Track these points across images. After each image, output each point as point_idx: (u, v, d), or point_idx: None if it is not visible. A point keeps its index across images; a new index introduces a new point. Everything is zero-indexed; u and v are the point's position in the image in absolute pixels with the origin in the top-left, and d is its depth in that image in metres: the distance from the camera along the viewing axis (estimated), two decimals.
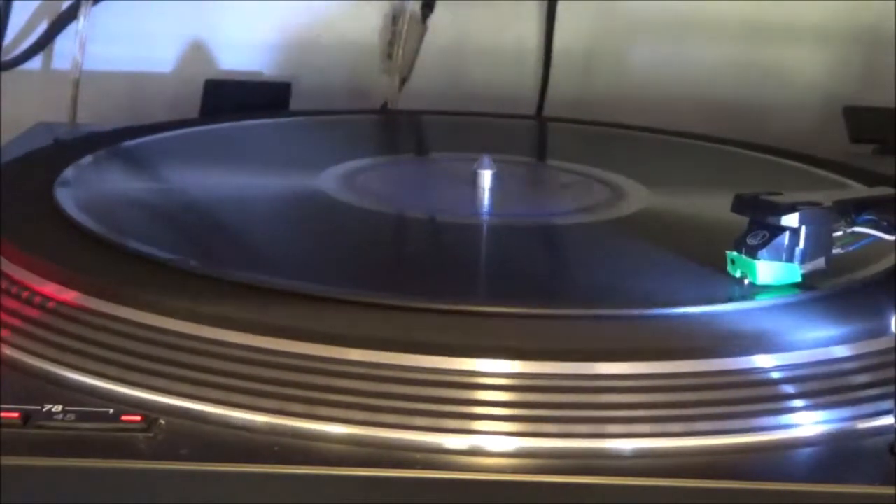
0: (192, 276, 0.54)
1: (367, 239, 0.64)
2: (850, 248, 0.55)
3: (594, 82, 1.05)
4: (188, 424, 0.45)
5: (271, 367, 0.47)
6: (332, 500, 0.43)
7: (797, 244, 0.54)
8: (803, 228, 0.53)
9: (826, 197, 0.55)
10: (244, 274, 0.53)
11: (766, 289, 0.54)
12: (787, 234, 0.53)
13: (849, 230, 0.55)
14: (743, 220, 0.55)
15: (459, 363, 0.47)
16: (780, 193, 0.55)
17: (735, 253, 0.54)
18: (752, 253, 0.54)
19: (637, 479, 0.43)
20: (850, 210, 0.55)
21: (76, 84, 0.98)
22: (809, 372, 0.48)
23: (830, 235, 0.55)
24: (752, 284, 0.54)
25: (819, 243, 0.54)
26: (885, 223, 0.54)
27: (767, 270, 0.54)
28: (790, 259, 0.54)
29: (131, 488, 0.42)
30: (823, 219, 0.54)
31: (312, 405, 0.45)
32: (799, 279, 0.54)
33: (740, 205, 0.56)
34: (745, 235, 0.54)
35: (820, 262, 0.54)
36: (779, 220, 0.53)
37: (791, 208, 0.54)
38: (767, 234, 0.54)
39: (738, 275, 0.54)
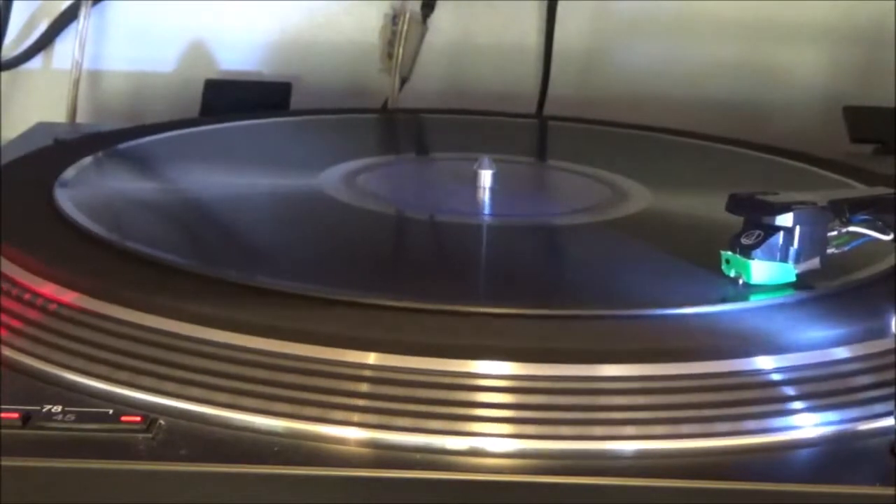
0: (192, 277, 0.54)
1: (367, 239, 0.64)
2: (846, 248, 0.55)
3: (594, 82, 1.05)
4: (188, 425, 0.45)
5: (270, 368, 0.47)
6: (332, 501, 0.43)
7: (791, 244, 0.54)
8: (798, 228, 0.53)
9: (821, 197, 0.55)
10: (244, 275, 0.53)
11: (764, 289, 0.54)
12: (781, 233, 0.53)
13: (844, 230, 0.55)
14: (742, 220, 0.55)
15: (459, 364, 0.47)
16: (776, 193, 0.55)
17: (730, 252, 0.54)
18: (747, 252, 0.54)
19: (637, 479, 0.43)
20: (846, 210, 0.55)
21: (76, 84, 0.98)
22: (810, 373, 0.48)
23: (825, 235, 0.54)
24: (747, 284, 0.54)
25: (814, 243, 0.54)
26: (880, 223, 0.54)
27: (762, 270, 0.54)
28: (784, 259, 0.54)
29: (131, 489, 0.42)
30: (818, 218, 0.54)
31: (312, 406, 0.45)
32: (793, 279, 0.54)
33: (735, 204, 0.56)
34: (740, 235, 0.54)
35: (815, 262, 0.54)
36: (773, 220, 0.53)
37: (785, 208, 0.54)
38: (762, 234, 0.54)
39: (732, 274, 0.54)
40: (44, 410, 0.45)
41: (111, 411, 0.45)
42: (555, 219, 0.69)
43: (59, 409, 0.45)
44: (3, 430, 0.43)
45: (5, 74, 1.03)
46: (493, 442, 0.44)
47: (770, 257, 0.54)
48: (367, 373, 0.47)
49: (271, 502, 0.43)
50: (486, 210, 0.69)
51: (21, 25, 1.03)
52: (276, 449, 0.44)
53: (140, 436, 0.44)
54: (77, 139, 0.82)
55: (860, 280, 0.56)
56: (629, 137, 0.89)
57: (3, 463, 0.42)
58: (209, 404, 0.45)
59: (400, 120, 0.98)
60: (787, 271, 0.54)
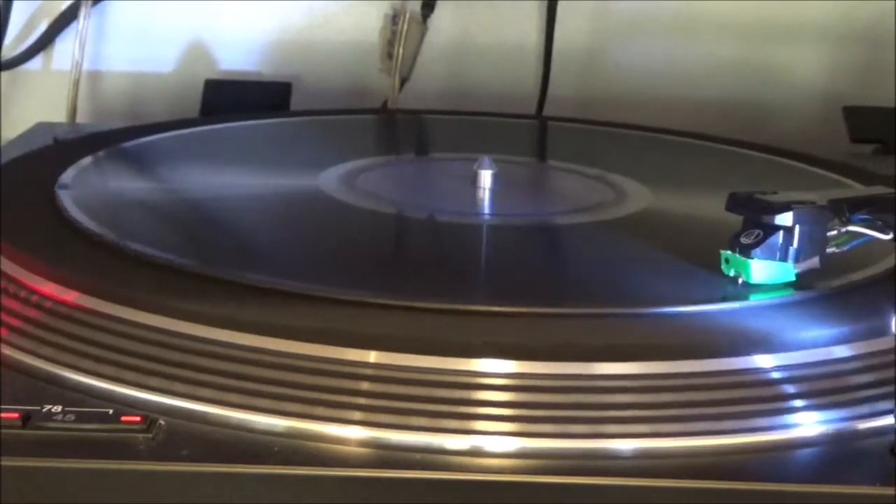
0: (192, 276, 0.54)
1: (367, 239, 0.64)
2: (845, 248, 0.55)
3: (594, 82, 1.05)
4: (188, 425, 0.45)
5: (271, 367, 0.47)
6: (332, 501, 0.43)
7: (791, 243, 0.54)
8: (797, 227, 0.53)
9: (821, 196, 0.55)
10: (244, 274, 0.53)
11: (764, 288, 0.54)
12: (780, 233, 0.53)
13: (843, 229, 0.55)
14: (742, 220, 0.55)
15: (459, 363, 0.47)
16: (776, 192, 0.55)
17: (729, 252, 0.54)
18: (746, 252, 0.54)
19: (637, 479, 0.43)
20: (845, 209, 0.55)
21: (76, 84, 0.98)
22: (810, 372, 0.48)
23: (825, 234, 0.54)
24: (746, 284, 0.54)
25: (813, 242, 0.54)
26: (880, 222, 0.54)
27: (761, 269, 0.54)
28: (784, 258, 0.54)
29: (131, 489, 0.42)
30: (817, 218, 0.54)
31: (312, 406, 0.45)
32: (793, 278, 0.54)
33: (734, 204, 0.55)
34: (739, 234, 0.54)
35: (814, 262, 0.54)
36: (772, 219, 0.53)
37: (785, 207, 0.54)
38: (761, 233, 0.54)
39: (731, 273, 0.54)
40: (44, 410, 0.45)
41: (111, 411, 0.45)
42: (555, 219, 0.69)
43: (59, 409, 0.45)
44: (3, 430, 0.43)
45: (5, 74, 1.03)
46: (493, 441, 0.44)
47: (769, 256, 0.54)
48: (368, 372, 0.47)
49: (271, 502, 0.43)
50: (487, 210, 0.69)
51: (21, 25, 1.03)
52: (276, 449, 0.44)
53: (140, 436, 0.44)
54: (77, 139, 0.82)
55: (860, 279, 0.56)
56: (629, 137, 0.89)
57: (3, 463, 0.42)
58: (209, 404, 0.45)
59: (400, 120, 0.98)
60: (787, 271, 0.54)
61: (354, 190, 0.70)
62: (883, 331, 0.51)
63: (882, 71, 1.02)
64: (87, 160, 0.73)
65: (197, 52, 1.04)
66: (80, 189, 0.67)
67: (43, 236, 0.59)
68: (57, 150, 0.79)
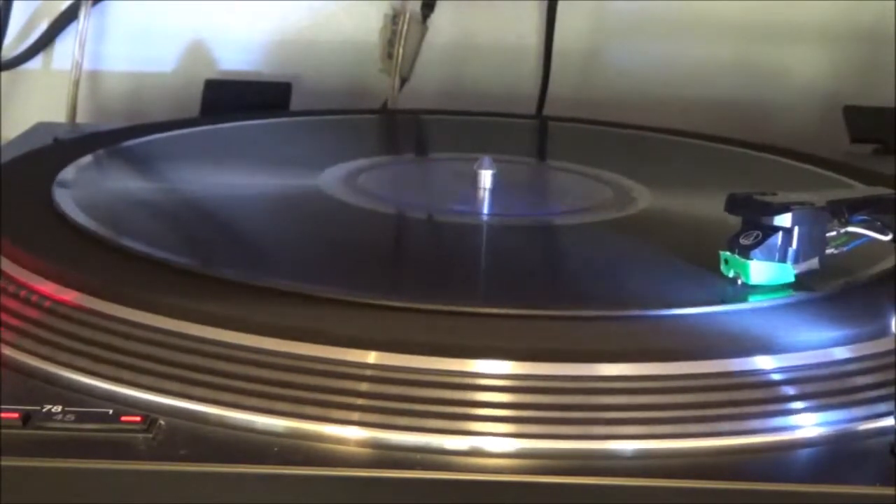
0: (192, 276, 0.54)
1: (366, 239, 0.64)
2: (845, 249, 0.55)
3: (594, 82, 1.05)
4: (188, 425, 0.45)
5: (271, 367, 0.47)
6: (332, 501, 0.43)
7: (790, 244, 0.54)
8: (796, 228, 0.53)
9: (820, 197, 0.55)
10: (244, 274, 0.53)
11: (763, 290, 0.54)
12: (780, 234, 0.53)
13: (843, 230, 0.55)
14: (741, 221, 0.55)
15: (459, 364, 0.47)
16: (775, 193, 0.55)
17: (728, 253, 0.54)
18: (745, 253, 0.54)
19: (637, 479, 0.43)
20: (844, 210, 0.55)
21: (76, 84, 0.98)
22: (810, 373, 0.48)
23: (824, 235, 0.55)
24: (746, 285, 0.54)
25: (812, 243, 0.54)
26: (879, 223, 0.54)
27: (760, 270, 0.54)
28: (783, 259, 0.54)
29: (131, 489, 0.42)
30: (816, 219, 0.54)
31: (311, 406, 0.45)
32: (792, 279, 0.54)
33: (733, 204, 0.56)
34: (739, 235, 0.54)
35: (814, 263, 0.54)
36: (771, 220, 0.53)
37: (784, 208, 0.54)
38: (760, 234, 0.54)
39: (731, 275, 0.54)
40: (44, 410, 0.45)
41: (111, 411, 0.45)
42: (555, 219, 0.69)
43: (59, 409, 0.45)
44: (3, 430, 0.43)
45: (5, 74, 1.03)
46: (493, 442, 0.44)
47: (769, 258, 0.54)
48: (367, 372, 0.47)
49: (271, 502, 0.43)
50: (487, 210, 0.69)
51: (21, 25, 1.03)
52: (276, 449, 0.44)
53: (140, 436, 0.44)
54: (77, 139, 0.82)
55: (860, 280, 0.56)
56: (629, 137, 0.89)
57: (3, 463, 0.42)
58: (209, 404, 0.45)
59: (400, 120, 0.98)
60: (786, 272, 0.54)
61: (354, 190, 0.70)
62: (883, 332, 0.51)
63: (882, 71, 1.02)
64: (86, 159, 0.74)
65: (197, 52, 1.04)
66: (79, 189, 0.67)
67: (43, 236, 0.59)
68: (57, 149, 0.78)
